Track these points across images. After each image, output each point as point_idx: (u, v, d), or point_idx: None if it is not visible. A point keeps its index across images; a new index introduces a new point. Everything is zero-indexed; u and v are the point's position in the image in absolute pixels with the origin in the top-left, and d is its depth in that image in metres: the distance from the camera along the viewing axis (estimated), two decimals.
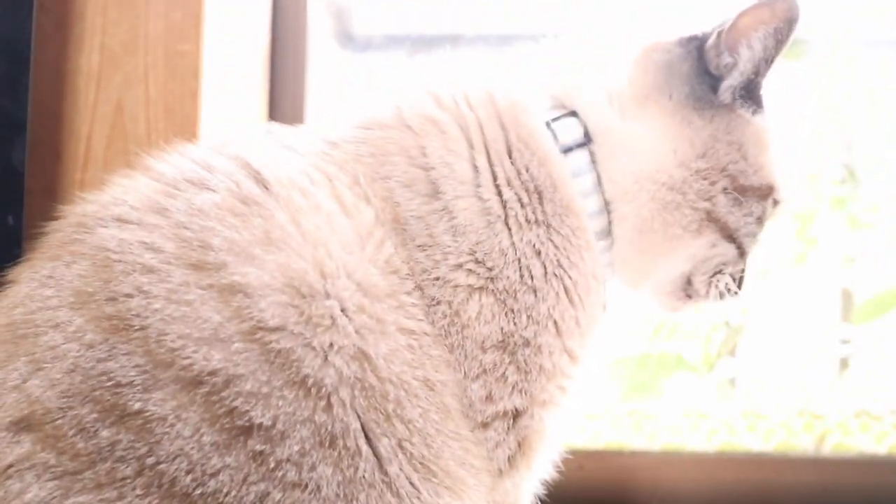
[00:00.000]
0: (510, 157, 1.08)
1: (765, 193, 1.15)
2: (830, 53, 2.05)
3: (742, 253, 1.16)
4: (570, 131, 1.13)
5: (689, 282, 1.18)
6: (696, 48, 1.14)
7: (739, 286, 1.18)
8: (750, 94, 1.14)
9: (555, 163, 1.09)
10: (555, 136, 1.11)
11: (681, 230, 1.13)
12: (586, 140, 1.13)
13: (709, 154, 1.12)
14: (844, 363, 2.13)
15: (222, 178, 0.97)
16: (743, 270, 1.19)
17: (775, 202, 1.17)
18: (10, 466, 0.83)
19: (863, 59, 2.09)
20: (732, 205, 1.13)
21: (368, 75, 2.03)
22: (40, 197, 1.46)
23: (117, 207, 0.96)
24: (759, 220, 1.16)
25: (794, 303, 2.14)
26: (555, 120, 1.13)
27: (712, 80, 1.13)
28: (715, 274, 1.17)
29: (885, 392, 2.05)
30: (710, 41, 1.13)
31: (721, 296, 1.17)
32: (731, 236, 1.14)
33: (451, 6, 2.03)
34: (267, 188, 0.97)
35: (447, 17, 2.03)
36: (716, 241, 1.14)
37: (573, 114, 1.14)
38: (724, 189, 1.12)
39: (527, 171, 1.07)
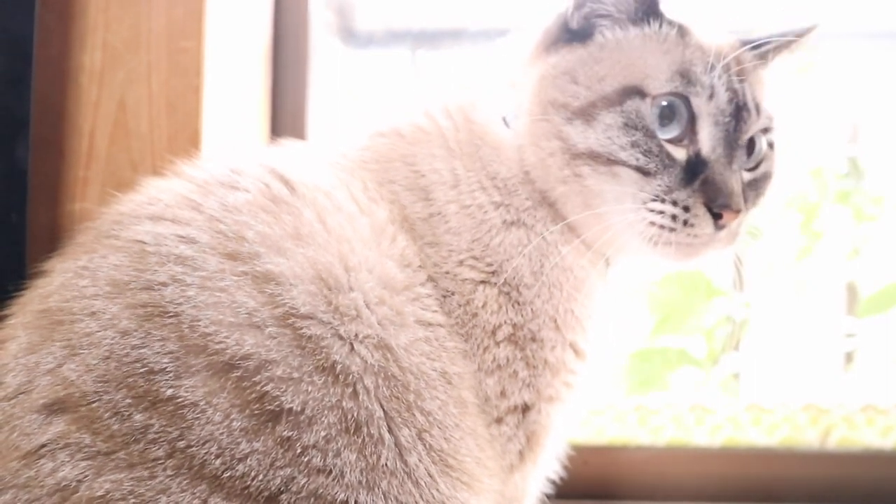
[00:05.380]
0: (480, 157, 1.11)
1: (614, 100, 1.06)
2: (834, 46, 2.05)
3: (641, 170, 1.05)
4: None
5: (632, 224, 1.06)
6: (566, 5, 1.13)
7: (689, 210, 1.04)
8: (633, 21, 1.10)
9: (506, 149, 1.12)
10: (508, 126, 1.14)
11: (563, 185, 1.07)
12: None
13: (540, 95, 1.10)
14: (849, 357, 2.13)
15: (252, 179, 1.02)
16: (676, 190, 1.04)
17: (644, 96, 1.06)
18: (42, 446, 0.86)
19: (867, 52, 2.08)
20: (584, 129, 1.06)
21: (370, 71, 2.03)
22: (43, 194, 1.46)
23: (152, 206, 1.00)
24: (629, 126, 1.05)
25: (799, 297, 2.14)
26: (511, 111, 1.15)
27: (572, 34, 1.12)
28: (640, 208, 1.05)
29: (890, 386, 2.05)
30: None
31: (665, 229, 1.04)
32: (610, 159, 1.05)
33: (453, 1, 2.02)
34: (293, 189, 1.02)
35: (449, 12, 2.02)
36: (607, 172, 1.05)
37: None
38: (566, 119, 1.06)
39: (491, 166, 1.11)
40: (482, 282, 1.06)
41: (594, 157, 1.05)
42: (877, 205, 2.13)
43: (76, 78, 1.49)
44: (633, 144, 1.05)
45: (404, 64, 2.03)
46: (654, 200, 1.04)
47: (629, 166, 1.05)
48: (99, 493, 0.83)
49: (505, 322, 1.05)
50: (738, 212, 1.06)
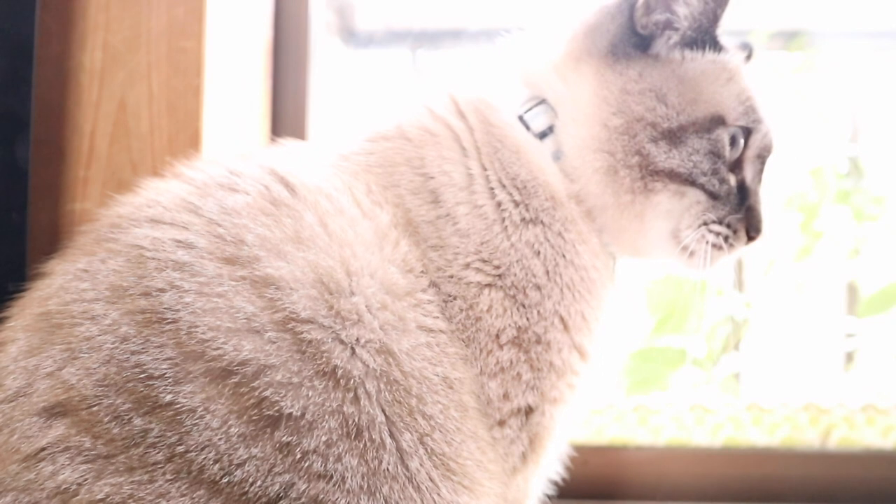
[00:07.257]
0: (499, 158, 1.11)
1: (705, 126, 1.11)
2: (834, 45, 2.05)
3: (713, 195, 1.12)
4: (539, 118, 1.15)
5: (679, 239, 1.13)
6: (629, 6, 1.14)
7: (736, 233, 1.13)
8: (692, 41, 1.13)
9: (527, 152, 1.12)
10: (527, 127, 1.14)
11: (629, 194, 1.11)
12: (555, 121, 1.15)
13: (623, 108, 1.11)
14: (850, 357, 2.13)
15: (251, 181, 1.01)
16: (730, 214, 1.13)
17: (727, 126, 1.12)
18: (42, 450, 0.86)
19: (867, 51, 2.08)
20: (668, 149, 1.10)
21: (370, 71, 2.03)
22: (44, 194, 1.46)
23: (150, 209, 0.99)
24: (713, 154, 1.11)
25: (799, 297, 2.14)
26: (528, 111, 1.15)
27: (638, 39, 1.13)
28: (700, 226, 1.12)
29: (890, 386, 2.05)
30: (640, 1, 1.13)
31: (716, 248, 1.12)
32: (686, 180, 1.10)
33: (453, 1, 2.03)
34: (294, 192, 1.01)
35: (449, 12, 2.03)
36: (676, 191, 1.11)
37: (544, 100, 1.16)
38: (651, 138, 1.10)
39: (511, 167, 1.10)
40: (487, 285, 1.05)
41: (672, 177, 1.10)
42: (877, 205, 2.13)
43: (76, 78, 1.49)
44: (714, 171, 1.11)
45: (404, 64, 2.04)
46: (715, 223, 1.12)
47: (704, 190, 1.11)
48: (99, 497, 0.83)
49: (509, 325, 1.04)
50: (762, 235, 1.15)
